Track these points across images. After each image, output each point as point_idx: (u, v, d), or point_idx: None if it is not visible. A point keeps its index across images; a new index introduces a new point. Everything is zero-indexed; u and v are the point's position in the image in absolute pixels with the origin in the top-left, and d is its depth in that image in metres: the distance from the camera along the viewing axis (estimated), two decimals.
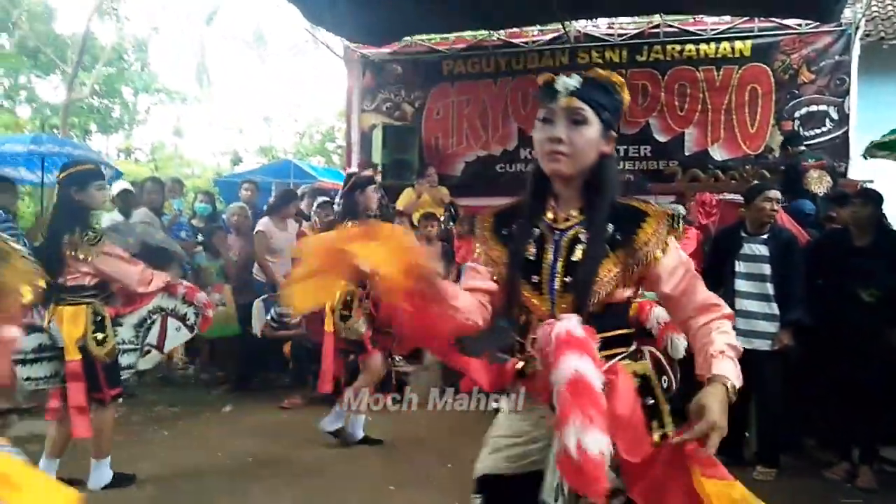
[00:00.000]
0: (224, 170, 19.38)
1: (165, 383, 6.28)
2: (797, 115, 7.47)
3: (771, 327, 4.06)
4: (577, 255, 1.61)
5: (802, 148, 6.49)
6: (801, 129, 7.42)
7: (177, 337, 4.03)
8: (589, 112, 1.60)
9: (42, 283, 1.12)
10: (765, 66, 7.55)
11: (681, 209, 5.73)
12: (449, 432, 4.44)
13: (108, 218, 6.83)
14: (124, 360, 3.70)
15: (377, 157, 8.24)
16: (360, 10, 6.67)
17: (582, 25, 8.18)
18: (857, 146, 6.90)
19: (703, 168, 7.65)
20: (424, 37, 8.68)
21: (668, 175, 7.76)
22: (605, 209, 1.63)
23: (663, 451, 1.49)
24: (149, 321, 3.84)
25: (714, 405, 1.42)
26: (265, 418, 5.18)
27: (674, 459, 1.46)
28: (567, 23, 7.90)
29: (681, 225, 1.71)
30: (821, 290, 4.28)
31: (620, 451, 1.43)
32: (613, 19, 8.13)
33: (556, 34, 8.26)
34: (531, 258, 1.65)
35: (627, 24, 8.14)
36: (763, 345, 4.05)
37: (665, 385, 1.70)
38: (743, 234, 4.26)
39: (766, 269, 4.12)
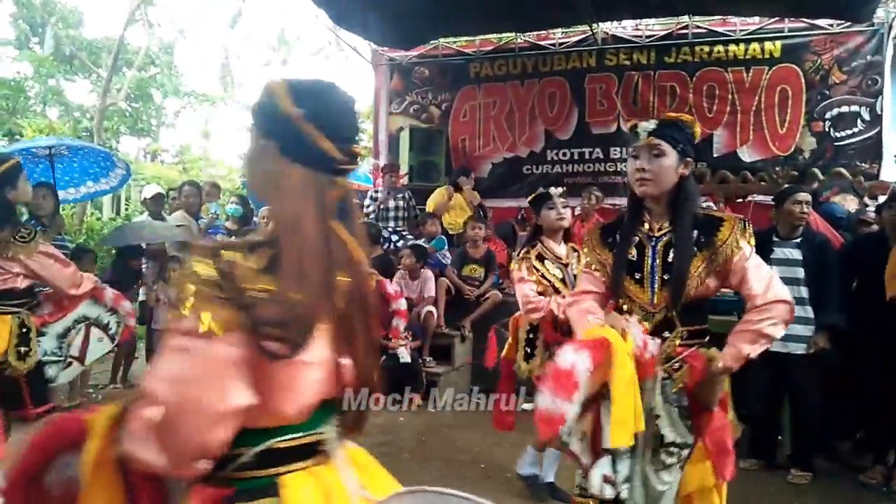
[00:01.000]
0: None
1: None
2: (828, 115, 7.40)
3: (806, 331, 4.04)
4: (671, 257, 2.11)
5: (815, 185, 6.33)
6: (832, 131, 7.36)
7: (98, 348, 3.73)
8: (665, 146, 2.08)
9: None
10: (795, 66, 7.49)
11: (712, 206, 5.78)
12: (481, 433, 4.48)
13: (139, 219, 6.97)
14: (47, 372, 3.39)
15: (405, 158, 8.33)
16: (389, 15, 6.77)
17: (609, 27, 8.18)
18: (889, 147, 6.82)
19: (733, 169, 7.61)
20: (451, 40, 8.75)
21: (697, 176, 7.67)
22: (688, 219, 2.11)
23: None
24: (73, 331, 3.56)
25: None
26: None
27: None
28: (594, 24, 7.90)
29: (749, 228, 2.15)
30: (856, 294, 4.26)
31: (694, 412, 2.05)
32: (640, 21, 8.12)
33: (582, 36, 8.27)
34: (633, 259, 2.17)
35: (655, 26, 8.11)
36: (798, 348, 4.04)
37: None
38: (775, 238, 4.24)
39: (800, 272, 4.11)
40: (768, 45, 7.59)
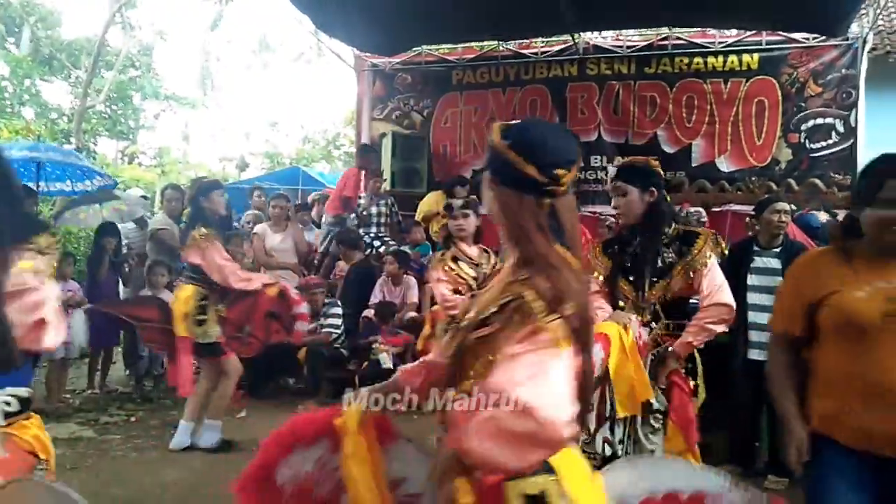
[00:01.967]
0: (229, 175, 19.47)
1: None
2: (804, 127, 7.55)
3: None
4: (659, 263, 2.70)
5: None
6: (807, 142, 7.50)
7: None
8: (626, 186, 2.70)
9: None
10: (772, 78, 7.63)
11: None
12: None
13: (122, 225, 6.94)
14: None
15: (387, 165, 8.33)
16: (371, 21, 6.76)
17: (590, 37, 8.27)
18: (863, 159, 6.96)
19: (711, 179, 7.72)
20: (434, 47, 8.78)
21: (675, 186, 7.82)
22: (655, 236, 2.71)
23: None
24: None
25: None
26: (280, 424, 5.21)
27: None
28: (576, 34, 7.98)
29: (721, 242, 2.50)
30: None
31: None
32: (621, 31, 8.22)
33: (564, 45, 8.35)
34: (629, 265, 2.76)
35: (635, 37, 8.22)
36: None
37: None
38: (755, 248, 4.31)
39: (779, 281, 4.17)
40: (746, 57, 7.73)
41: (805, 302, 1.96)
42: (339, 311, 6.09)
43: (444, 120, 8.89)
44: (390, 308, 6.06)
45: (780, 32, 7.55)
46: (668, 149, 7.93)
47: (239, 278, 4.36)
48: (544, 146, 1.34)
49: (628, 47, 8.14)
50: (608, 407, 2.45)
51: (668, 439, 2.60)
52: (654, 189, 2.68)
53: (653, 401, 2.54)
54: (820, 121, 7.51)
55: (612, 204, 2.79)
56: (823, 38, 7.34)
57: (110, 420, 5.30)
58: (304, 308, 4.91)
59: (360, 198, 7.52)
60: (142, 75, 17.61)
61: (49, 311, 1.55)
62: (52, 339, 1.57)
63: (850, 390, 1.85)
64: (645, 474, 1.51)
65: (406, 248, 6.79)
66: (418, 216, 7.31)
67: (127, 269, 6.45)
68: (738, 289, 4.22)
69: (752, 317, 4.11)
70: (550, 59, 8.46)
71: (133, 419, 5.34)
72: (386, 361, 5.49)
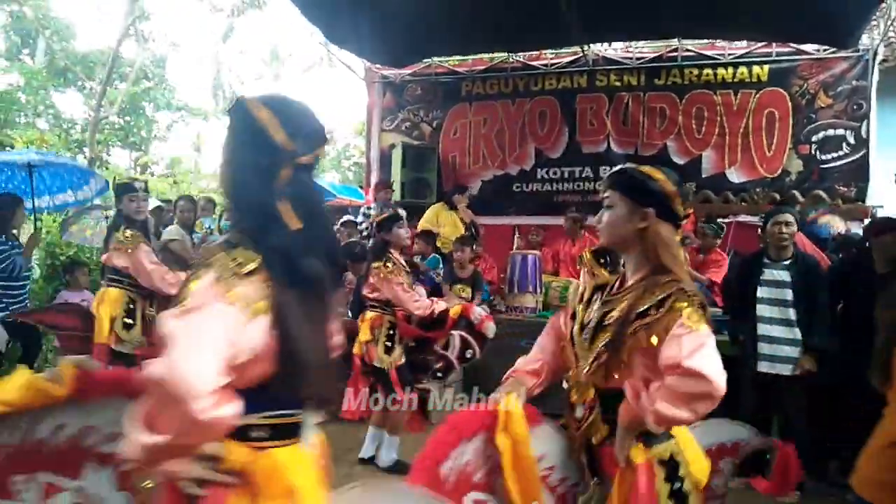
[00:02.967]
0: None
1: None
2: (814, 139, 7.52)
3: (793, 352, 4.09)
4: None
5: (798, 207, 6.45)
6: (818, 154, 7.48)
7: None
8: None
9: None
10: (782, 90, 7.62)
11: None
12: None
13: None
14: None
15: (397, 175, 8.37)
16: (382, 33, 6.81)
17: (599, 48, 8.29)
18: (875, 170, 6.94)
19: (720, 190, 7.69)
20: (444, 58, 8.83)
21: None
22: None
23: None
24: None
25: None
26: None
27: None
28: (585, 46, 8.01)
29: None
30: (843, 316, 4.32)
31: None
32: (631, 43, 8.24)
33: (574, 57, 8.37)
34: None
35: (645, 48, 8.23)
36: (785, 369, 4.09)
37: None
38: (765, 260, 4.30)
39: (789, 294, 4.16)
40: (756, 69, 7.72)
41: None
42: None
43: (454, 131, 8.93)
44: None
45: (790, 44, 7.55)
46: (678, 160, 7.92)
47: (169, 282, 4.16)
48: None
49: (638, 59, 8.15)
50: None
51: None
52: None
53: None
54: (831, 132, 7.48)
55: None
56: (834, 49, 7.33)
57: None
58: None
59: (369, 208, 7.55)
60: (155, 86, 17.78)
61: None
62: None
63: None
64: (706, 431, 2.08)
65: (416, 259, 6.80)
66: (420, 227, 7.29)
67: None
68: (748, 301, 4.23)
69: (762, 329, 4.11)
70: (560, 70, 8.48)
71: None
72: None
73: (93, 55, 17.07)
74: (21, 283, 5.25)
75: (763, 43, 7.63)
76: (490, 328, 4.49)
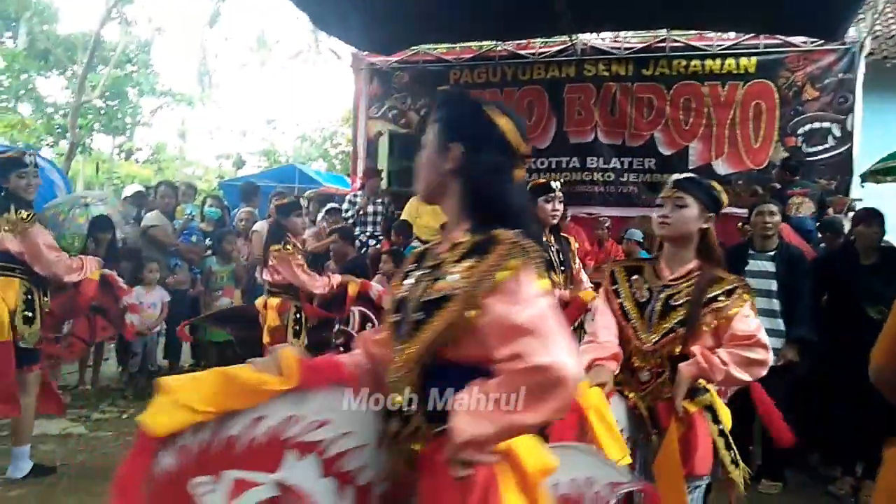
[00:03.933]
0: (226, 172, 19.43)
1: None
2: (800, 131, 7.53)
3: (776, 343, 4.09)
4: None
5: (796, 178, 6.53)
6: (804, 146, 7.50)
7: None
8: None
9: None
10: (769, 82, 7.61)
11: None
12: None
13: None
14: None
15: (384, 164, 8.31)
16: (370, 19, 6.75)
17: (588, 38, 8.26)
18: (860, 164, 6.97)
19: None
20: (432, 46, 8.76)
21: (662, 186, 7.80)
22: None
23: None
24: None
25: None
26: None
27: None
28: (573, 35, 7.97)
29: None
30: (826, 307, 4.33)
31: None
32: (620, 33, 8.21)
33: (562, 46, 8.33)
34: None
35: (633, 38, 8.20)
36: None
37: None
38: (750, 251, 4.31)
39: (773, 284, 4.17)
40: (744, 60, 7.71)
41: None
42: None
43: None
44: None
45: (778, 36, 7.54)
46: (665, 151, 7.92)
47: (70, 267, 3.81)
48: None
49: (626, 49, 8.12)
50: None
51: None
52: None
53: None
54: (817, 125, 7.49)
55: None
56: (821, 42, 7.33)
57: (102, 416, 5.27)
58: (133, 297, 4.49)
59: (355, 195, 7.49)
60: (139, 71, 17.54)
61: None
62: None
63: None
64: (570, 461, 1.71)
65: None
66: (403, 216, 7.22)
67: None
68: None
69: None
70: (548, 59, 8.43)
71: (125, 415, 5.29)
72: None
73: (75, 38, 16.81)
74: None
75: (751, 34, 7.63)
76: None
